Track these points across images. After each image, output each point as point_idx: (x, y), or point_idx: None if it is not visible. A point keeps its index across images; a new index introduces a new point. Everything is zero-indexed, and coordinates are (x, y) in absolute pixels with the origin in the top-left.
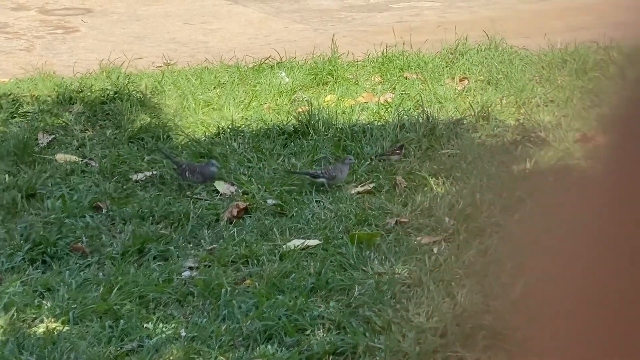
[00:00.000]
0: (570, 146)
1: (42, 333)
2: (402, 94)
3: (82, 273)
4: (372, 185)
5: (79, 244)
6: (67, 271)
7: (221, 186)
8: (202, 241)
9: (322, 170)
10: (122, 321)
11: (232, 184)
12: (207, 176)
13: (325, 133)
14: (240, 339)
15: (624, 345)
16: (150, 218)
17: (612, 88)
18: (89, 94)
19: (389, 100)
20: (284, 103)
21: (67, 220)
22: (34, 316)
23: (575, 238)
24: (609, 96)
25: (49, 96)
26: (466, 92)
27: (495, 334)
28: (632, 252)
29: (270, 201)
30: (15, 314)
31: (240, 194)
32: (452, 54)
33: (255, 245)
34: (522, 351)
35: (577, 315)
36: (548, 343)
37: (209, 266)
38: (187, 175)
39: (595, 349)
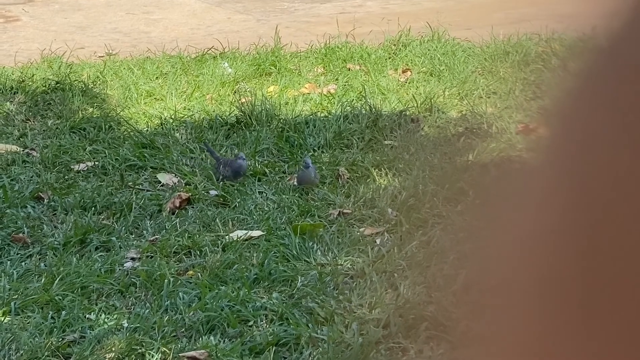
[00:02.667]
0: (512, 138)
1: None
2: (345, 85)
3: (23, 264)
4: None
5: (20, 235)
6: (8, 262)
7: (163, 177)
8: (145, 232)
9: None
10: (63, 312)
11: (175, 175)
12: (235, 169)
13: (268, 124)
14: (183, 330)
15: (566, 336)
16: (92, 208)
17: (553, 80)
18: (30, 83)
19: (332, 91)
20: (227, 94)
21: (8, 211)
22: None
23: (516, 229)
24: (550, 88)
25: None
26: (409, 83)
27: (438, 325)
28: (571, 242)
29: (212, 192)
30: None
31: (183, 185)
32: (395, 45)
33: (197, 236)
34: (464, 342)
35: (520, 307)
36: (490, 334)
37: (152, 257)
38: (220, 169)
39: (538, 340)
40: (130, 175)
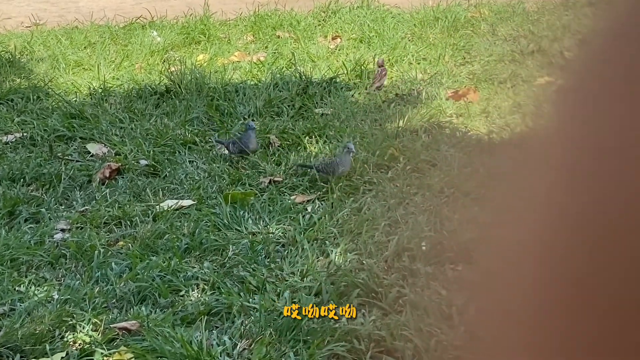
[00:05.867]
0: (442, 103)
1: None
2: (274, 52)
3: None
4: None
5: None
6: None
7: (93, 147)
8: (74, 203)
9: (319, 164)
10: None
11: (104, 145)
12: (244, 143)
13: (198, 92)
14: (114, 301)
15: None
16: (21, 180)
17: (482, 45)
18: None
19: (262, 59)
20: (156, 63)
21: None
22: None
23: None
24: (479, 53)
25: None
26: (339, 50)
27: (370, 292)
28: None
29: (143, 162)
30: None
31: (113, 155)
32: (324, 12)
33: (128, 206)
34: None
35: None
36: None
37: (82, 228)
38: (230, 148)
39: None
40: (60, 146)
